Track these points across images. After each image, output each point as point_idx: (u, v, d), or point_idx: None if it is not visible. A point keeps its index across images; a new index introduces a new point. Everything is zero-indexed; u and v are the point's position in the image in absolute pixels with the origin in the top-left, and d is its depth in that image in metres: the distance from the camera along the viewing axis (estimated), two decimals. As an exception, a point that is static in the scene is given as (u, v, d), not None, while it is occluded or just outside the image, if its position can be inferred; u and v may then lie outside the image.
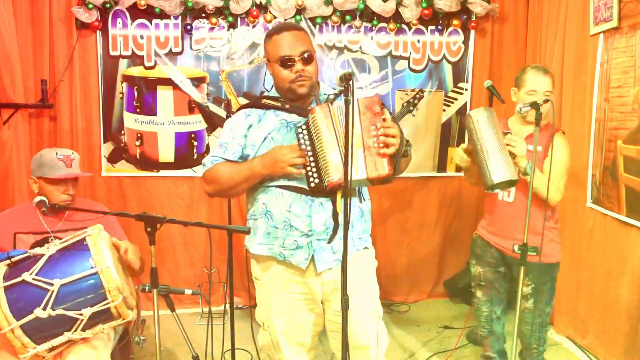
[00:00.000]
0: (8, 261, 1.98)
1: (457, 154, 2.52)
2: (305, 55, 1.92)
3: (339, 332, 1.94)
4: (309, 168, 1.86)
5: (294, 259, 1.96)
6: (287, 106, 1.97)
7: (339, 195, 1.89)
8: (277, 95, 2.04)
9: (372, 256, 2.12)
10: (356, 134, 1.82)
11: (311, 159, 1.85)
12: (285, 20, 3.68)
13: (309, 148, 1.86)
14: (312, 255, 1.95)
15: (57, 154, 2.35)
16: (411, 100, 3.33)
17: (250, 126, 1.98)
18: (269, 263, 2.03)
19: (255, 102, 2.04)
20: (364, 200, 2.08)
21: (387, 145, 1.82)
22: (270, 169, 1.89)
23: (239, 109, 2.07)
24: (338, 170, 1.80)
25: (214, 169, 1.97)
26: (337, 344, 1.99)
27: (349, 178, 1.72)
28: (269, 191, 1.96)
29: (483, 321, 2.65)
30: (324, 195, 1.90)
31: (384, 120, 1.84)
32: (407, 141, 1.96)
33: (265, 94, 2.10)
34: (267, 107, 1.99)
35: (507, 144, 2.27)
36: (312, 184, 1.87)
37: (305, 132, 1.87)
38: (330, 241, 1.93)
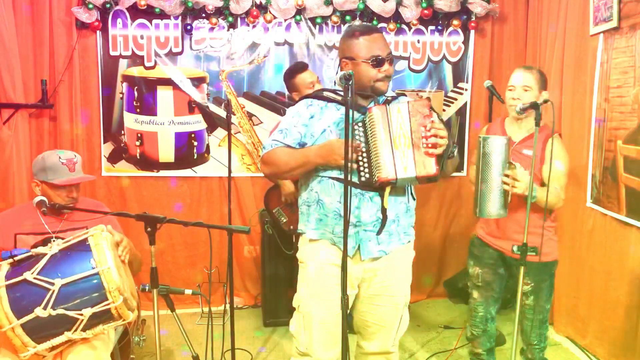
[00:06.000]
0: (11, 260, 1.98)
1: None
2: (391, 56, 2.05)
3: (368, 311, 2.18)
4: (360, 163, 1.96)
5: (342, 245, 2.02)
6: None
7: (387, 191, 2.01)
8: (338, 89, 2.12)
9: (412, 248, 2.24)
10: (406, 134, 1.94)
11: (364, 155, 1.95)
12: (285, 20, 3.68)
13: (362, 144, 1.95)
14: (359, 245, 2.06)
15: (60, 157, 2.34)
16: None
17: (312, 116, 2.07)
18: (320, 245, 2.12)
19: (319, 94, 2.13)
20: (413, 199, 2.19)
21: (435, 146, 1.92)
22: (325, 159, 1.98)
23: (301, 98, 2.16)
24: (389, 168, 1.92)
25: (273, 152, 2.06)
26: (359, 322, 2.22)
27: (348, 178, 1.78)
28: (322, 181, 2.05)
29: (478, 322, 2.67)
30: (372, 189, 2.01)
31: (433, 122, 1.94)
32: (454, 143, 2.07)
33: (328, 87, 2.24)
34: (330, 101, 2.08)
35: (506, 183, 2.25)
36: (363, 179, 1.98)
37: (361, 129, 1.97)
38: (379, 233, 2.04)
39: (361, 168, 1.97)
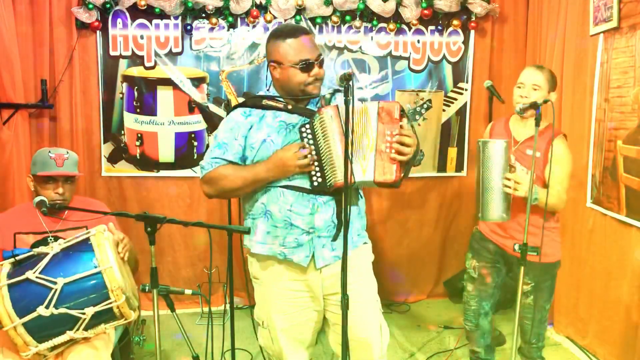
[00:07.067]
0: (12, 259, 1.98)
1: None
2: (321, 58, 1.96)
3: (338, 324, 1.96)
4: (312, 167, 1.88)
5: (295, 257, 1.98)
6: (289, 107, 1.97)
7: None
8: (274, 95, 2.03)
9: (370, 250, 2.15)
10: (370, 136, 1.85)
11: (315, 158, 1.87)
12: (285, 20, 3.67)
13: (312, 148, 1.87)
14: (313, 253, 1.97)
15: (49, 152, 2.37)
16: (418, 109, 3.29)
17: (251, 126, 1.96)
18: (269, 262, 2.04)
19: (255, 102, 2.02)
20: (361, 197, 2.11)
21: (399, 153, 1.84)
22: (278, 173, 1.90)
23: (235, 107, 2.05)
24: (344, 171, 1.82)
25: (216, 172, 1.96)
26: (337, 338, 1.99)
27: (348, 178, 1.74)
28: (269, 191, 1.97)
29: (470, 315, 2.66)
30: (326, 194, 1.92)
31: (401, 127, 1.86)
32: (421, 151, 1.98)
33: (261, 93, 2.12)
34: (268, 108, 1.98)
35: (507, 186, 2.25)
36: (316, 183, 1.89)
37: (309, 131, 1.88)
38: (335, 239, 1.95)
39: (312, 172, 1.89)
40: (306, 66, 1.91)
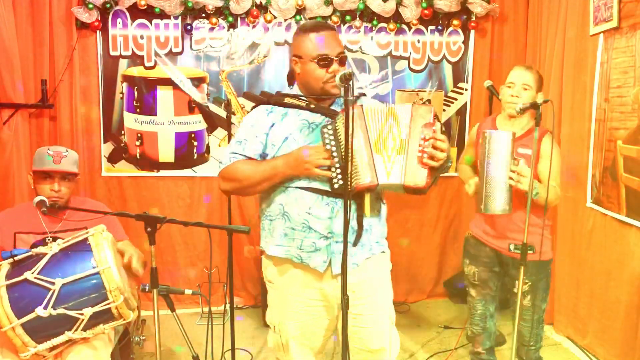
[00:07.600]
0: (11, 260, 1.98)
1: (469, 185, 2.47)
2: (342, 56, 1.92)
3: (353, 335, 1.97)
4: (332, 169, 1.82)
5: (311, 262, 1.93)
6: (312, 106, 1.94)
7: (367, 198, 1.87)
8: (298, 93, 2.00)
9: (388, 260, 2.11)
10: (398, 139, 1.81)
11: (336, 159, 1.82)
12: (285, 20, 3.68)
13: (334, 149, 1.82)
14: (330, 259, 1.92)
15: (48, 149, 2.37)
16: None
17: (273, 124, 1.93)
18: (285, 266, 2.00)
19: (278, 100, 1.99)
20: (383, 203, 2.06)
21: (432, 158, 1.80)
22: (295, 170, 1.86)
23: (257, 104, 2.02)
24: (368, 173, 1.79)
25: (233, 167, 1.92)
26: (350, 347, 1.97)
27: (348, 180, 1.70)
28: (287, 192, 1.92)
29: (477, 319, 2.66)
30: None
31: (434, 131, 1.81)
32: (449, 157, 1.91)
33: (285, 92, 2.08)
34: (291, 106, 1.94)
35: (511, 177, 2.22)
36: (336, 185, 1.83)
37: (331, 132, 1.83)
38: (354, 244, 1.91)
39: (334, 174, 1.82)
40: (324, 62, 1.87)
